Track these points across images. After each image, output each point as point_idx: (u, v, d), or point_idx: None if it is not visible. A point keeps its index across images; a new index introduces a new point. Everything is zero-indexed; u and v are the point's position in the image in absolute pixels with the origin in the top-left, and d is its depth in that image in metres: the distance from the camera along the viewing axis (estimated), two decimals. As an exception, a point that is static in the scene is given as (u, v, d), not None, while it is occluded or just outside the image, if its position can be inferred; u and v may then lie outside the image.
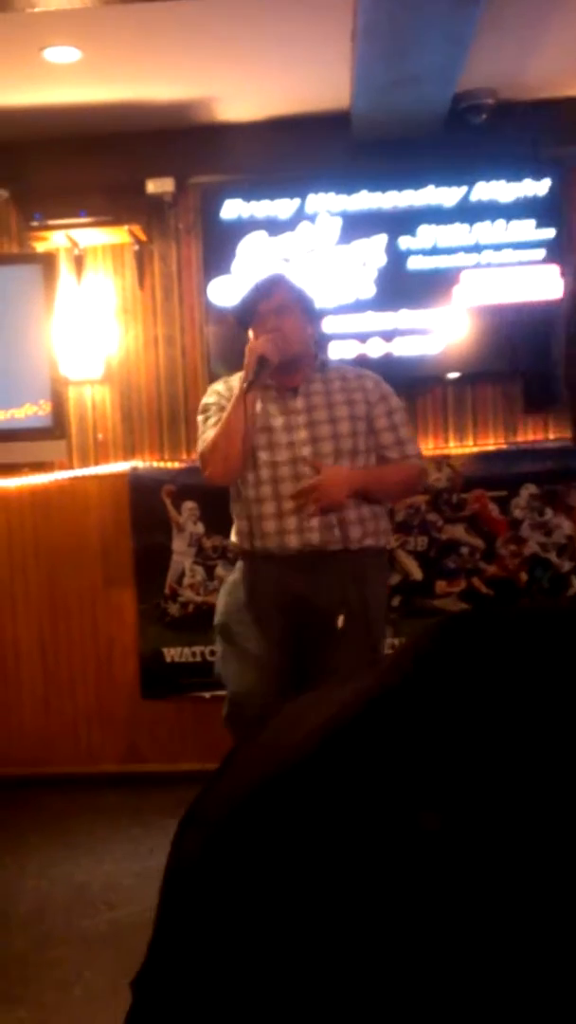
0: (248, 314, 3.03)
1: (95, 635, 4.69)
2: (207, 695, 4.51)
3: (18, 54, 3.65)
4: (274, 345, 2.91)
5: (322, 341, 3.32)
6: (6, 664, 4.71)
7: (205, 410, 3.08)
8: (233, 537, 3.12)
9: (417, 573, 4.56)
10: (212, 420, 3.02)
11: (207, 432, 3.02)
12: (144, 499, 4.57)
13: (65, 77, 3.87)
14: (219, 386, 3.13)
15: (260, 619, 2.99)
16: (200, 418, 3.10)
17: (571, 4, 3.48)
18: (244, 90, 4.09)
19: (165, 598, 4.58)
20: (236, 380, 3.05)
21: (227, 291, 4.43)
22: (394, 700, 0.52)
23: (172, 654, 4.58)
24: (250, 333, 3.03)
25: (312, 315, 3.09)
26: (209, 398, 3.10)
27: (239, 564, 3.11)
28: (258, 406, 2.98)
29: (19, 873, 3.76)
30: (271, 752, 0.59)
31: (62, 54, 3.69)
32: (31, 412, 4.55)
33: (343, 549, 2.95)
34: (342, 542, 2.95)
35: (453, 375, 4.49)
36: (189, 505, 4.51)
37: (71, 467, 4.65)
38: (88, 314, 4.58)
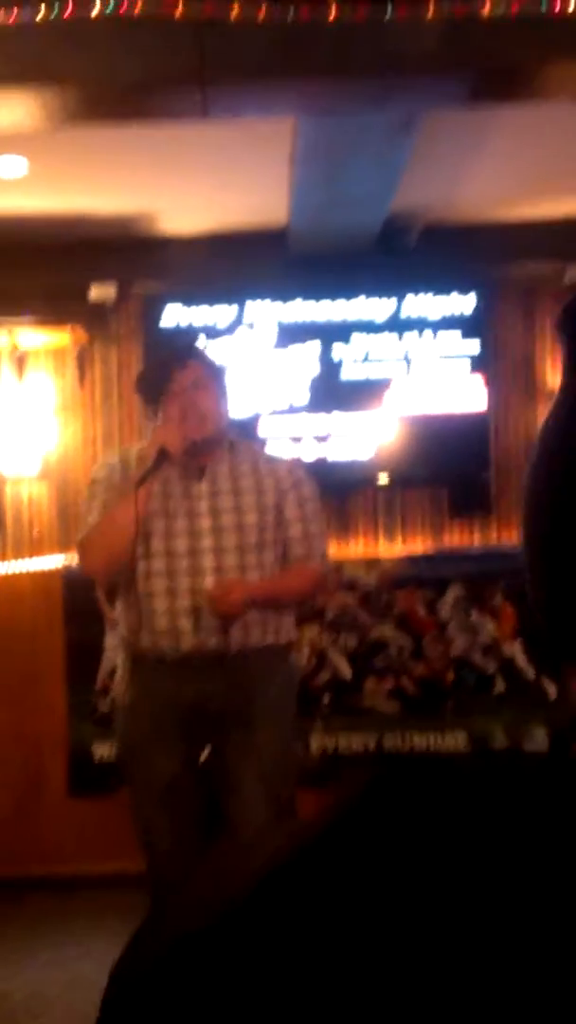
0: (158, 389, 2.67)
1: (22, 730, 4.60)
2: (136, 794, 4.45)
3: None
4: (181, 436, 2.58)
5: (232, 421, 2.92)
6: None
7: (92, 486, 2.73)
8: (122, 632, 2.80)
9: (347, 671, 4.58)
10: (97, 502, 2.67)
11: (91, 515, 2.67)
12: (77, 595, 4.53)
13: (13, 188, 3.96)
14: (112, 459, 2.78)
15: (159, 741, 2.68)
16: (86, 495, 2.75)
17: (494, 139, 3.70)
18: (186, 205, 4.24)
19: (96, 694, 4.53)
20: (134, 455, 2.72)
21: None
22: (319, 853, 0.53)
23: (102, 751, 4.50)
24: (160, 409, 2.66)
25: (225, 390, 2.75)
26: (99, 472, 2.75)
27: (125, 676, 2.82)
28: (154, 488, 2.64)
29: None
30: (196, 907, 0.58)
31: (11, 166, 3.79)
32: (-34, 507, 4.54)
33: (240, 651, 2.63)
34: (239, 643, 2.63)
35: (384, 479, 4.59)
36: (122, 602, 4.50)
37: (4, 560, 4.63)
38: (27, 412, 4.62)
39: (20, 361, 4.68)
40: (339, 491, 4.13)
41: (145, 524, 2.63)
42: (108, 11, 2.57)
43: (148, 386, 2.75)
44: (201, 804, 2.75)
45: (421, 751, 4.49)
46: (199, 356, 2.79)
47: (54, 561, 4.61)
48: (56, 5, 2.58)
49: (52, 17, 2.58)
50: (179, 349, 2.89)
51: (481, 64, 2.74)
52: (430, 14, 2.60)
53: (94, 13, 2.57)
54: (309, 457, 4.46)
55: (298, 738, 2.98)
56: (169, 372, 2.67)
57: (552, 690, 4.58)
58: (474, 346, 4.55)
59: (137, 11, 2.62)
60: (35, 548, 4.66)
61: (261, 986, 0.50)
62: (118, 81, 2.69)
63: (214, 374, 2.74)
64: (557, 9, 2.74)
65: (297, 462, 2.91)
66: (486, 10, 2.68)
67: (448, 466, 4.58)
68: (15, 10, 2.59)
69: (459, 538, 4.71)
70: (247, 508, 2.70)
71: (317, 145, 3.33)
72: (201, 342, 4.46)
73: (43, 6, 2.58)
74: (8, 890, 4.34)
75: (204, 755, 2.73)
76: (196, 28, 2.62)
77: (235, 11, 2.63)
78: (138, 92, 2.72)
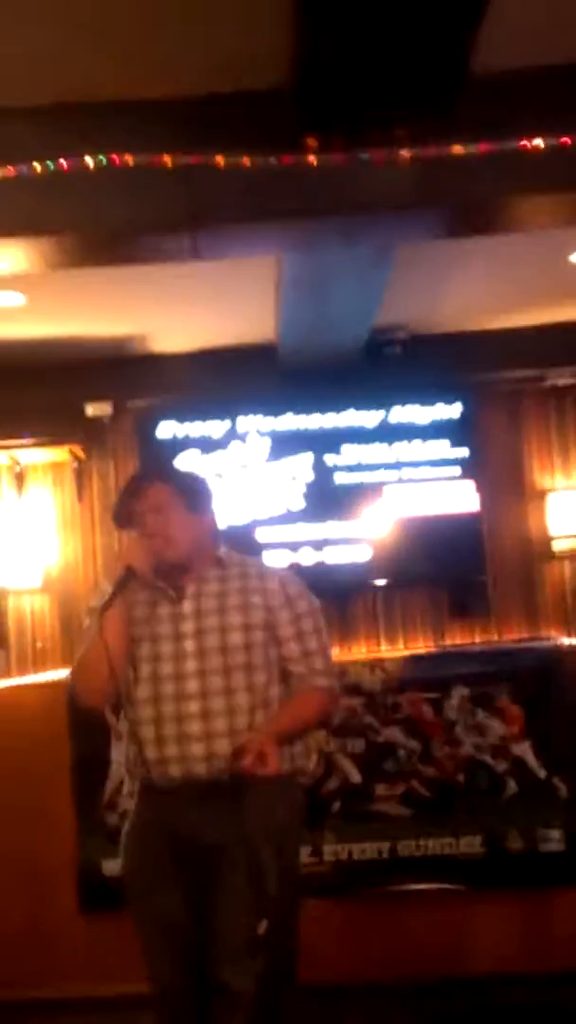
0: (125, 517, 2.63)
1: (31, 847, 4.55)
2: (146, 909, 4.38)
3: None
4: (147, 552, 2.52)
5: (226, 532, 2.88)
6: None
7: (89, 612, 2.65)
8: (120, 756, 2.82)
9: (356, 776, 4.54)
10: (90, 629, 2.58)
11: (84, 643, 2.60)
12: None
13: (10, 317, 4.09)
14: (107, 585, 2.63)
15: (157, 874, 2.60)
16: (85, 623, 2.68)
17: (468, 258, 3.82)
18: (177, 327, 4.37)
19: (104, 808, 4.49)
20: None
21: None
22: None
23: (111, 867, 4.44)
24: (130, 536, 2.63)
25: (200, 506, 2.65)
26: (93, 599, 2.67)
27: (129, 801, 2.74)
28: (139, 611, 2.57)
29: None
30: None
31: (8, 298, 3.91)
32: (-30, 624, 4.57)
33: (233, 779, 2.45)
34: (233, 771, 2.45)
35: (381, 582, 4.64)
36: (127, 715, 4.49)
37: (9, 675, 4.64)
38: (28, 526, 4.68)
39: (20, 477, 4.76)
40: (338, 595, 4.18)
41: (134, 648, 2.56)
42: (102, 164, 2.71)
43: (117, 513, 2.69)
44: (201, 932, 2.60)
45: (435, 857, 4.38)
46: (165, 477, 2.71)
47: (58, 674, 4.62)
48: (51, 162, 2.71)
49: (49, 172, 2.71)
50: (141, 473, 2.84)
51: (453, 201, 2.87)
52: (403, 156, 2.73)
53: (89, 165, 2.70)
54: (307, 562, 4.51)
55: (297, 857, 2.76)
56: (132, 497, 2.62)
57: (564, 790, 4.51)
58: (463, 452, 4.64)
59: (128, 161, 2.76)
60: (38, 661, 4.68)
61: None
62: (110, 228, 2.81)
63: (183, 493, 2.63)
64: (524, 145, 2.88)
65: (290, 575, 2.76)
66: (456, 149, 2.81)
67: (444, 567, 4.64)
68: (11, 167, 2.72)
69: (460, 638, 4.74)
70: (233, 627, 2.57)
71: (301, 274, 3.46)
72: (190, 457, 4.56)
73: (37, 164, 2.71)
74: (17, 1013, 4.24)
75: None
76: (184, 175, 2.75)
77: (221, 159, 2.76)
78: (129, 238, 2.84)
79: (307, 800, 2.98)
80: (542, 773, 4.53)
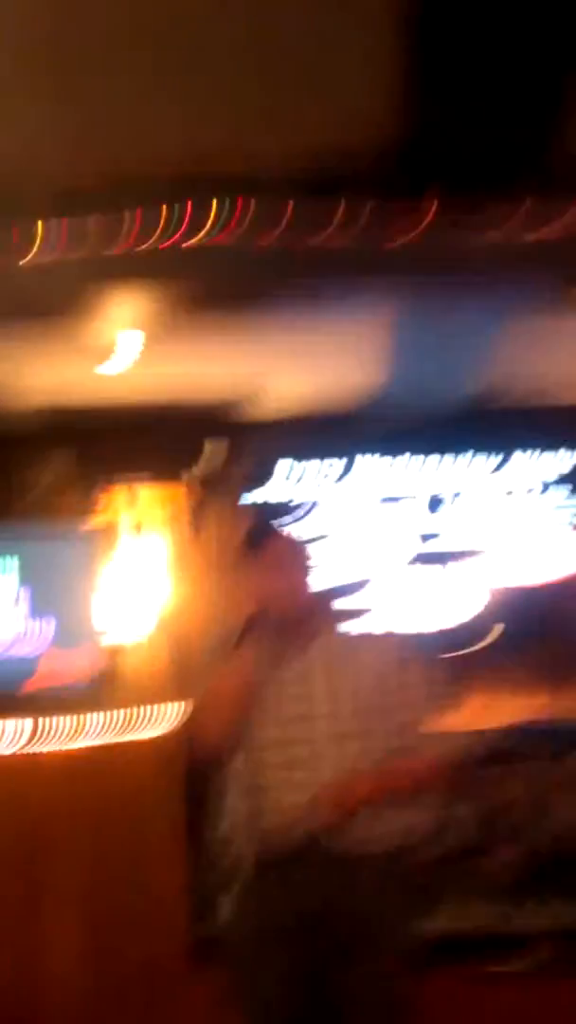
0: (243, 566, 2.72)
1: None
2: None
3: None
4: (274, 598, 2.59)
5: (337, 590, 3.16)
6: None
7: (210, 655, 2.76)
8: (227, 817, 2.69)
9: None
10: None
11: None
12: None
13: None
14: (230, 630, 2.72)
15: (263, 952, 2.54)
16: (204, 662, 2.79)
17: None
18: (292, 378, 4.36)
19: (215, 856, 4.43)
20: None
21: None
22: None
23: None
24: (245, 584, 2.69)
25: (307, 567, 2.71)
26: (215, 642, 2.78)
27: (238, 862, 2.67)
28: (257, 657, 2.58)
29: None
30: None
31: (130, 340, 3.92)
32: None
33: (356, 852, 2.49)
34: (356, 840, 2.49)
35: (491, 640, 4.50)
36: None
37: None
38: (143, 568, 4.69)
39: (136, 516, 4.78)
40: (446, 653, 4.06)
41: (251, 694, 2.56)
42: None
43: (243, 553, 2.80)
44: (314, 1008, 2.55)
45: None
46: (279, 538, 2.84)
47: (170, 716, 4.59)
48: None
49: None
50: (258, 530, 3.01)
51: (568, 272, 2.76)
52: (520, 226, 2.64)
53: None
54: (413, 618, 4.39)
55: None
56: (252, 550, 2.72)
57: None
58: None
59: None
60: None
61: None
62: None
63: (296, 553, 2.73)
64: None
65: (404, 640, 2.86)
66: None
67: (557, 631, 4.48)
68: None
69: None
70: (346, 687, 2.60)
71: (411, 337, 3.40)
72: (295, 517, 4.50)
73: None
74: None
75: None
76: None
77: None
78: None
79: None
80: None
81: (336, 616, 2.79)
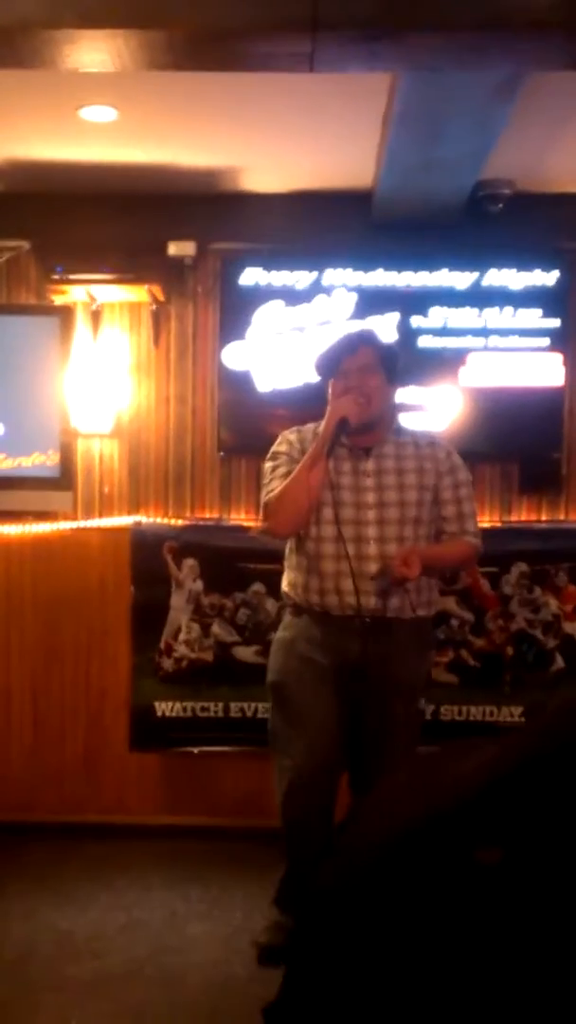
0: (330, 367, 2.88)
1: (87, 685, 4.48)
2: (195, 750, 4.32)
3: (55, 111, 3.52)
4: (356, 406, 2.78)
5: (398, 404, 3.20)
6: (-4, 709, 4.49)
7: (275, 458, 2.94)
8: (285, 587, 2.98)
9: (410, 643, 4.42)
10: (281, 471, 2.88)
11: (273, 482, 2.88)
12: (145, 554, 4.39)
13: (99, 136, 3.74)
14: (291, 435, 2.98)
15: (317, 679, 2.85)
16: (268, 466, 2.95)
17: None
18: (271, 162, 3.98)
19: (160, 653, 4.38)
20: (309, 432, 2.93)
21: (241, 356, 4.31)
22: (549, 766, 0.54)
23: (163, 708, 4.37)
24: (329, 386, 2.89)
25: (394, 376, 2.95)
26: (280, 446, 2.96)
27: (288, 620, 2.97)
28: (330, 463, 2.82)
29: (2, 918, 3.53)
30: (418, 799, 0.59)
31: (98, 113, 3.56)
32: (39, 461, 4.38)
33: (398, 618, 2.84)
34: (399, 611, 2.84)
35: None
36: (190, 562, 4.34)
37: (75, 518, 4.47)
38: (101, 369, 4.43)
39: (95, 316, 4.48)
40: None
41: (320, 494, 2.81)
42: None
43: (322, 366, 2.92)
44: (340, 740, 2.87)
45: (477, 723, 4.36)
46: (372, 342, 2.91)
47: (123, 520, 4.45)
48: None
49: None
50: (356, 334, 2.97)
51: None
52: None
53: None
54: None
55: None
56: (341, 355, 2.85)
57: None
58: (555, 323, 4.27)
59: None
60: (104, 506, 4.50)
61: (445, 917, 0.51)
62: (225, 25, 2.45)
63: (384, 360, 2.88)
64: None
65: (452, 447, 3.05)
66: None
67: (520, 442, 4.34)
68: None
69: (527, 515, 4.48)
70: (409, 486, 2.88)
71: (415, 105, 3.06)
72: (272, 308, 4.25)
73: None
74: (72, 835, 4.29)
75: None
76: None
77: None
78: (243, 37, 2.48)
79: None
80: (591, 652, 4.43)
81: (401, 428, 3.02)
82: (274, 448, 2.98)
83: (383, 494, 2.86)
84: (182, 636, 4.37)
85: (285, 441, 2.96)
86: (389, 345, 2.99)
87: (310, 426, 2.97)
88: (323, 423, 2.86)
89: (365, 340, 2.91)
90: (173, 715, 4.37)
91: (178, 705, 4.36)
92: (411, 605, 2.83)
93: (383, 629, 2.81)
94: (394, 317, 4.27)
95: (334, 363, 2.86)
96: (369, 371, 2.83)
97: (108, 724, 4.45)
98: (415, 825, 0.56)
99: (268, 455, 2.98)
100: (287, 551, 2.99)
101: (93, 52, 2.51)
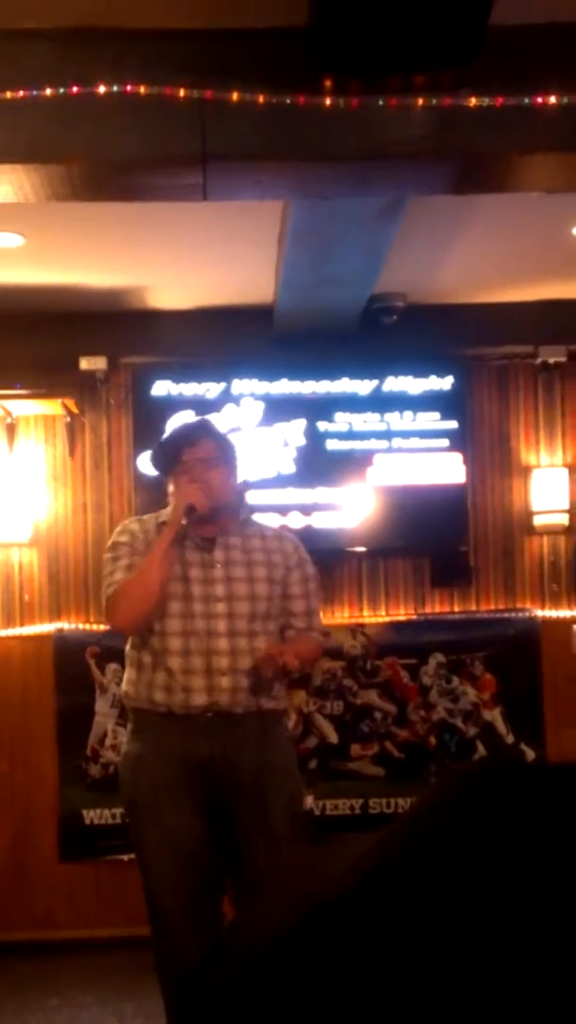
0: (170, 461, 2.73)
1: (12, 796, 4.37)
2: (125, 858, 4.20)
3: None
4: (202, 494, 2.63)
5: (242, 493, 3.12)
6: None
7: (115, 548, 2.72)
8: (125, 686, 2.74)
9: (333, 736, 4.42)
10: (123, 562, 2.67)
11: (116, 574, 2.66)
12: (68, 660, 4.36)
13: (7, 260, 3.85)
14: (133, 525, 2.78)
15: (170, 802, 2.61)
16: (108, 556, 2.73)
17: (471, 227, 3.64)
18: (176, 281, 4.14)
19: (86, 759, 4.31)
20: (151, 522, 2.75)
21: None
22: (435, 844, 0.54)
23: (91, 816, 4.28)
24: (170, 483, 2.73)
25: (234, 465, 2.79)
26: (121, 536, 2.74)
27: (132, 730, 2.73)
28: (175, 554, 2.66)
29: None
30: (303, 893, 0.59)
31: (5, 240, 3.68)
32: (-41, 573, 4.35)
33: (249, 712, 2.63)
34: (247, 706, 2.63)
35: (365, 549, 4.46)
36: (113, 667, 4.30)
37: (-4, 628, 4.43)
38: (18, 480, 4.46)
39: (11, 430, 4.53)
40: (324, 559, 3.97)
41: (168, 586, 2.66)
42: (113, 92, 2.50)
43: (161, 459, 2.80)
44: (211, 857, 2.65)
45: (405, 815, 4.33)
46: (211, 434, 2.81)
47: (44, 627, 4.42)
48: (62, 87, 2.50)
49: (59, 96, 2.49)
50: (194, 426, 2.91)
51: (465, 153, 2.67)
52: (419, 104, 2.54)
53: (100, 92, 2.49)
54: (296, 526, 4.31)
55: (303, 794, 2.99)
56: (181, 448, 2.72)
57: (530, 755, 4.43)
58: (452, 424, 4.45)
59: (141, 91, 2.55)
60: (25, 615, 4.47)
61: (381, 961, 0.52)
62: (119, 159, 2.59)
63: (224, 451, 2.77)
64: (539, 102, 2.71)
65: (299, 542, 2.90)
66: (472, 101, 2.63)
67: (429, 537, 4.46)
68: (21, 89, 2.50)
69: (440, 607, 4.57)
70: (258, 579, 2.72)
71: (307, 227, 3.25)
72: (183, 417, 4.31)
73: (48, 88, 2.50)
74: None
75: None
76: (198, 110, 2.54)
77: (235, 95, 2.56)
78: (138, 171, 2.62)
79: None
80: (510, 739, 4.47)
81: (247, 519, 2.84)
82: (114, 538, 2.77)
83: (233, 586, 2.68)
84: (108, 741, 4.31)
85: (127, 531, 2.75)
86: (225, 436, 2.88)
87: (150, 516, 2.80)
88: (168, 511, 2.71)
89: (205, 432, 2.79)
90: (102, 823, 4.28)
91: (107, 812, 4.27)
92: (266, 699, 2.64)
93: (233, 722, 2.62)
94: (301, 423, 4.41)
95: (174, 457, 2.72)
96: (211, 464, 2.70)
97: (36, 835, 4.33)
98: (301, 922, 0.56)
99: (108, 546, 2.77)
100: (127, 647, 2.76)
101: (-3, 185, 2.61)
